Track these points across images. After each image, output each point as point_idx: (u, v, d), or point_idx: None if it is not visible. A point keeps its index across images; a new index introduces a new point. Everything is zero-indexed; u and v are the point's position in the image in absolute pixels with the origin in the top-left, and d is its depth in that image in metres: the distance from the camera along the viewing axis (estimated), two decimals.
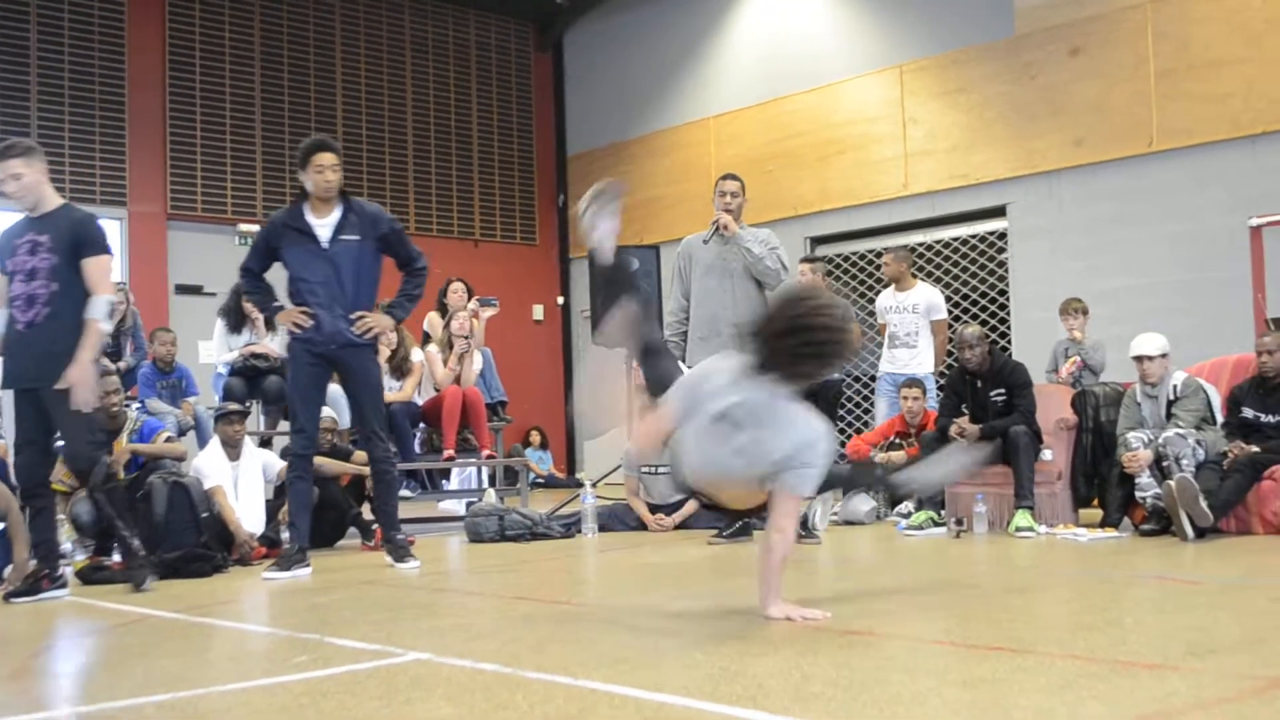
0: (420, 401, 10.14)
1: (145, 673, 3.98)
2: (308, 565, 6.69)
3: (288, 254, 6.80)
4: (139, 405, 8.74)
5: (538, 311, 17.00)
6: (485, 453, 10.02)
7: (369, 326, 6.79)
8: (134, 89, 13.90)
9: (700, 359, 7.61)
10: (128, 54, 13.88)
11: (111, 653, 4.58)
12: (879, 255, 13.47)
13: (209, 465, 7.57)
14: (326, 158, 6.71)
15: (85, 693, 3.95)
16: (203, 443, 8.69)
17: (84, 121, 13.57)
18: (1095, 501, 8.14)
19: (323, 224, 6.75)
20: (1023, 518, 7.66)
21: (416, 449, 10.14)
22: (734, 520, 7.73)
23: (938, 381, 10.11)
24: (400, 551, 6.88)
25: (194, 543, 6.89)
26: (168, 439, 7.86)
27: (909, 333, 10.11)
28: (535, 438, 15.58)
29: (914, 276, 10.60)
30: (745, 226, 7.82)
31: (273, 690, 3.64)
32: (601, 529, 8.60)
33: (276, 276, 7.00)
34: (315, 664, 3.94)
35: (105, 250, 6.00)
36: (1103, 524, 7.64)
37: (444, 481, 11.14)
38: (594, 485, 9.13)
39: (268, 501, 7.85)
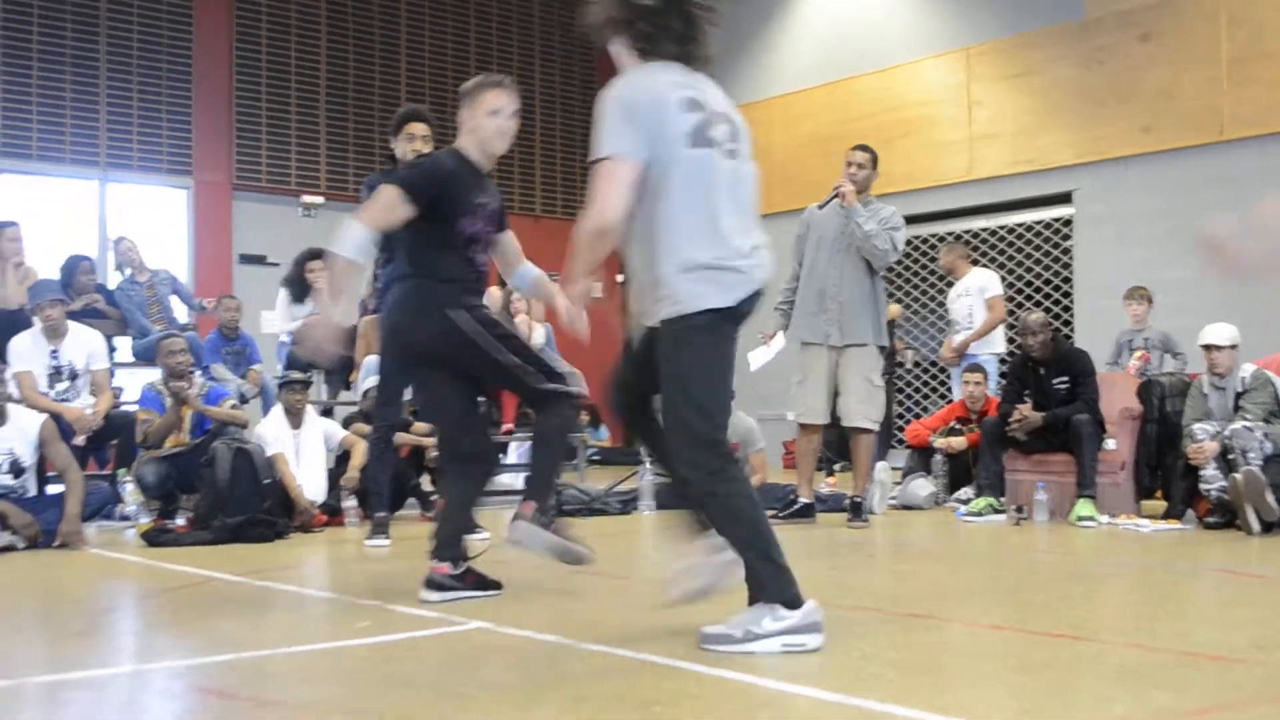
0: None
1: (210, 634, 4.04)
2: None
3: None
4: (203, 371, 8.83)
5: (597, 287, 16.98)
6: None
7: None
8: (201, 60, 14.01)
9: (804, 334, 7.52)
10: (195, 25, 13.99)
11: (176, 613, 4.65)
12: (942, 240, 13.40)
13: (271, 433, 7.65)
14: (419, 128, 6.74)
15: (151, 651, 4.02)
16: (269, 409, 8.78)
17: (152, 92, 13.70)
18: (1159, 493, 8.05)
19: None
20: (1084, 507, 7.58)
21: None
22: (793, 500, 7.74)
23: (1001, 362, 10.06)
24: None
25: (256, 508, 6.95)
26: (232, 406, 7.95)
27: (964, 316, 10.16)
28: (585, 416, 15.49)
29: (971, 263, 10.61)
30: (872, 200, 7.67)
31: (335, 654, 3.69)
32: (659, 506, 8.59)
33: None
34: (377, 630, 3.99)
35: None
36: (1166, 515, 7.55)
37: (502, 455, 11.19)
38: (653, 462, 9.12)
39: (329, 470, 7.92)
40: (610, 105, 3.70)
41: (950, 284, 10.70)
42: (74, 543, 6.52)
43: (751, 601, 3.53)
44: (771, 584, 3.49)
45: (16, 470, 6.76)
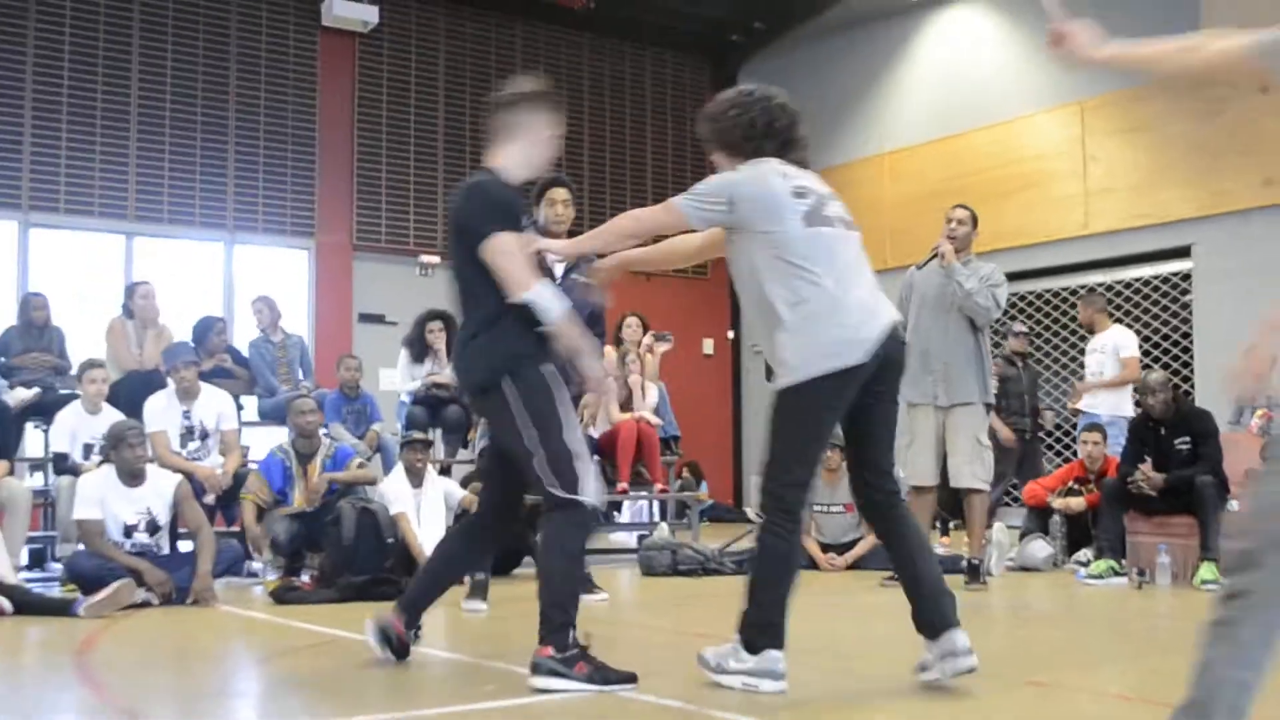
0: (596, 434, 10.28)
1: (340, 695, 4.15)
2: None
3: None
4: (324, 430, 9.04)
5: (707, 345, 17.05)
6: (658, 486, 10.11)
7: None
8: (324, 125, 14.42)
9: (911, 395, 7.49)
10: (319, 93, 14.41)
11: (307, 673, 4.77)
12: (1056, 295, 13.28)
13: (394, 492, 7.80)
14: (560, 192, 6.54)
15: (284, 712, 4.13)
16: (387, 468, 8.95)
17: (277, 156, 14.13)
18: None
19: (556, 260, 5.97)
20: (1209, 570, 7.43)
21: None
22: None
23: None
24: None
25: (380, 567, 7.10)
26: (359, 465, 8.15)
27: (1095, 373, 10.17)
28: (687, 473, 15.40)
29: (1109, 318, 10.61)
30: (971, 259, 7.68)
31: (465, 717, 3.76)
32: None
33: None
34: (503, 693, 4.06)
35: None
36: None
37: (615, 514, 11.27)
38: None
39: (449, 529, 8.03)
40: (722, 178, 4.20)
41: (1084, 338, 10.69)
42: (206, 600, 6.71)
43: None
44: (746, 627, 4.01)
45: (153, 529, 7.00)
